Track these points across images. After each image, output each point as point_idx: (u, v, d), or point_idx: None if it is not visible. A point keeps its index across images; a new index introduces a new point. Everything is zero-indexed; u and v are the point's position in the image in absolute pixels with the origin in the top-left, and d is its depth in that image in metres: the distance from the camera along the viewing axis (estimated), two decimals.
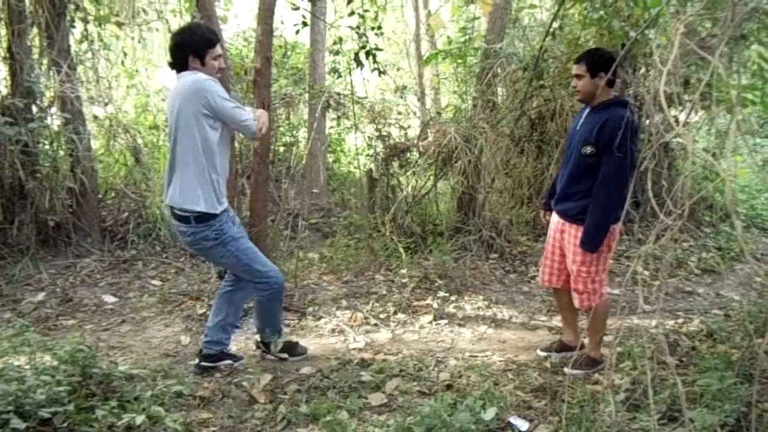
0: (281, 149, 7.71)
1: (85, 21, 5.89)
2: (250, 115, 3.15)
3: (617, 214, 3.22)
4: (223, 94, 3.07)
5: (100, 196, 5.89)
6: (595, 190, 3.19)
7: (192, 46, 3.06)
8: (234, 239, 3.22)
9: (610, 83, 3.24)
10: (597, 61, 3.20)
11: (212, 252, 3.24)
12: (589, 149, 3.19)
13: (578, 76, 3.26)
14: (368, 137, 6.42)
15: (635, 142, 3.09)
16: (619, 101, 3.25)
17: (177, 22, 6.61)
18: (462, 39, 6.56)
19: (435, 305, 4.63)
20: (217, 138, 3.12)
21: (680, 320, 4.31)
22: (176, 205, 3.14)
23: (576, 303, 3.45)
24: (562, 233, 3.44)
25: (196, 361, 3.52)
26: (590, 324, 3.45)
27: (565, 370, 3.47)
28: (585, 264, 3.30)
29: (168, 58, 3.17)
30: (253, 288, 3.43)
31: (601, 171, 3.16)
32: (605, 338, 3.96)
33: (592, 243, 3.22)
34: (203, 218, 3.11)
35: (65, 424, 2.54)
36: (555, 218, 3.52)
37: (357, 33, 5.20)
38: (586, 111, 3.34)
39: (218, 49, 3.13)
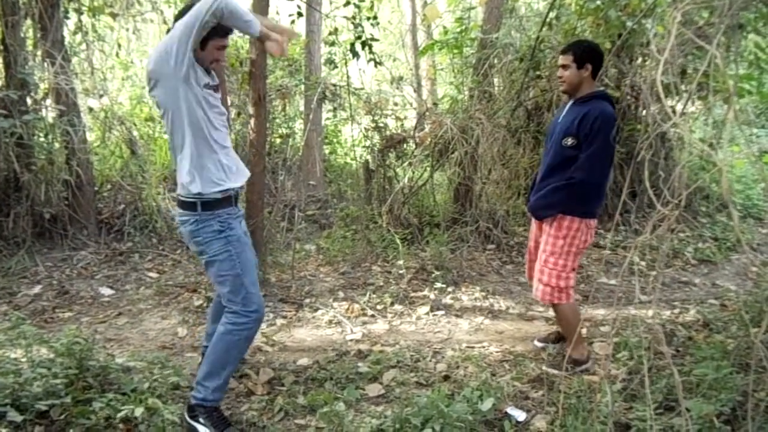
0: (277, 141, 7.69)
1: (79, 12, 5.85)
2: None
3: (592, 209, 3.20)
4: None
5: (96, 188, 5.86)
6: (569, 174, 3.16)
7: None
8: (238, 241, 2.73)
9: (595, 76, 3.24)
10: (584, 52, 3.19)
11: (209, 248, 2.68)
12: (570, 141, 3.17)
13: (564, 66, 3.25)
14: (365, 128, 6.41)
15: (614, 136, 3.08)
16: (601, 95, 3.23)
17: (172, 13, 6.57)
18: (458, 29, 6.53)
19: (432, 296, 4.64)
20: (203, 102, 2.62)
21: (677, 310, 4.32)
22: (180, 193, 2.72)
23: (537, 294, 3.33)
24: (541, 223, 3.41)
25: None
26: (562, 329, 3.41)
27: (543, 368, 3.38)
28: (554, 255, 3.24)
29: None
30: (224, 315, 2.79)
31: (578, 161, 3.13)
32: (602, 329, 3.98)
33: (553, 206, 3.22)
34: (207, 205, 2.65)
35: (62, 417, 2.54)
36: None
37: (353, 23, 5.18)
38: (569, 103, 3.33)
39: (224, 41, 2.73)
